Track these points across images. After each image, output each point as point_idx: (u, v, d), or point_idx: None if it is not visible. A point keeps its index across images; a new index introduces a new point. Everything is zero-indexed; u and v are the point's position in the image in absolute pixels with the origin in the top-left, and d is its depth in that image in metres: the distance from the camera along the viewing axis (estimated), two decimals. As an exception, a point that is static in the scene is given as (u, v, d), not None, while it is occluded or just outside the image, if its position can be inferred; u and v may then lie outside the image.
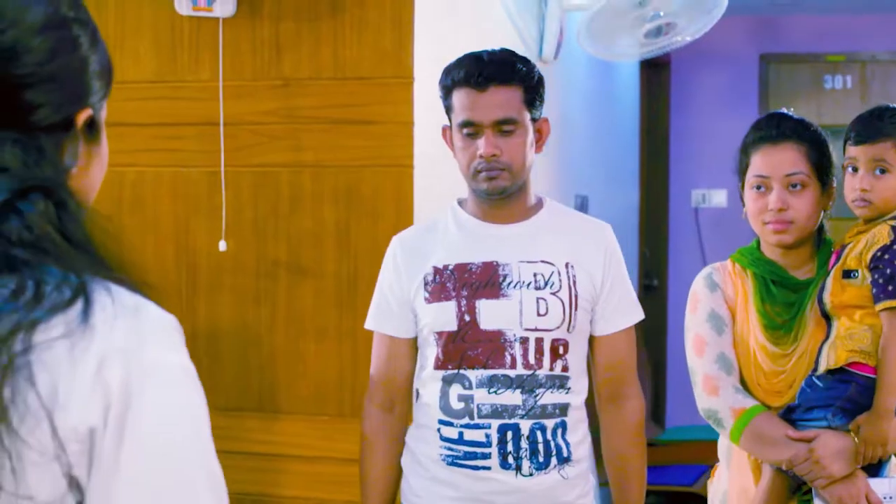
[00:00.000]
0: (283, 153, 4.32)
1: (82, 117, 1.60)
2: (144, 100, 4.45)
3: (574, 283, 3.32)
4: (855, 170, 3.30)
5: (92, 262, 1.51)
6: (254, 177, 4.36)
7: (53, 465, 1.40)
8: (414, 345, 3.45)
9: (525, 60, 3.34)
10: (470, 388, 3.28)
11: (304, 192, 4.31)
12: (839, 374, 3.22)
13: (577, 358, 3.35)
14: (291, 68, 4.31)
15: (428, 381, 3.37)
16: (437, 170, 4.31)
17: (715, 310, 3.43)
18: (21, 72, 1.51)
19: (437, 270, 3.36)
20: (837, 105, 9.42)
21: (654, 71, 9.23)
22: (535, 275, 3.31)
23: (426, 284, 3.36)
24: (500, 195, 3.32)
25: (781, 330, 3.37)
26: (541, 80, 3.35)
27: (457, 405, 3.30)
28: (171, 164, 4.44)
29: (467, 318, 3.29)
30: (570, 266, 3.33)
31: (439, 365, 3.33)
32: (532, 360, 3.27)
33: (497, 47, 3.38)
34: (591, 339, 3.42)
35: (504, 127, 3.26)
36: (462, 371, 3.29)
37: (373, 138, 4.21)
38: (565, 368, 3.31)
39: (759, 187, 3.37)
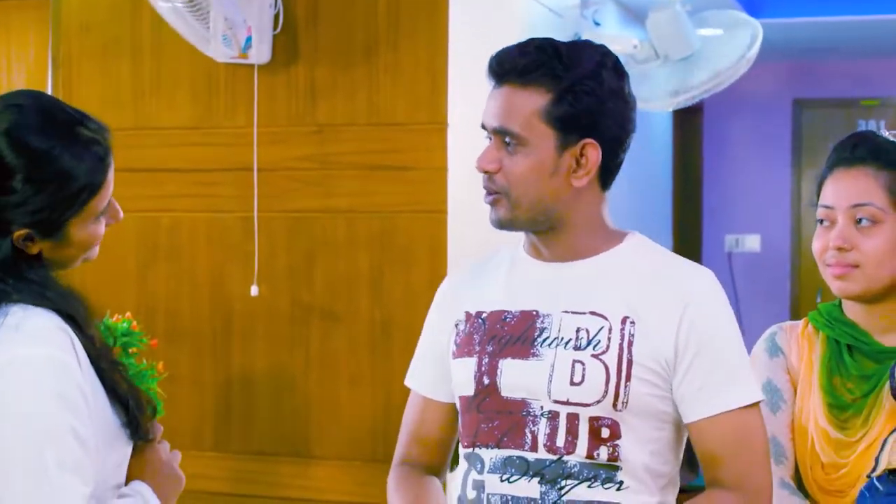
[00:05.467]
0: (317, 199, 4.34)
1: (16, 234, 2.22)
2: (180, 146, 4.48)
3: (629, 344, 2.41)
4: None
5: (21, 293, 2.20)
6: (287, 222, 4.37)
7: None
8: (454, 411, 2.65)
9: (571, 58, 2.44)
10: (482, 471, 2.49)
11: (338, 238, 4.32)
12: None
13: (641, 447, 2.44)
14: (326, 114, 4.33)
15: (460, 461, 2.59)
16: (472, 215, 4.32)
17: (772, 381, 2.71)
18: None
19: (468, 317, 2.58)
20: (871, 150, 9.40)
21: (687, 116, 9.23)
22: (577, 330, 2.44)
23: (457, 334, 2.59)
24: (506, 229, 2.53)
25: (850, 410, 2.62)
26: (592, 91, 2.43)
27: (471, 494, 2.51)
28: (205, 210, 4.46)
29: (486, 380, 2.48)
30: (630, 322, 2.43)
31: (461, 440, 2.57)
32: (560, 441, 2.42)
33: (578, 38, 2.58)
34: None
35: (506, 139, 2.45)
36: (476, 450, 2.50)
37: (407, 184, 4.22)
38: (614, 458, 2.41)
39: (822, 220, 2.68)
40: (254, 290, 4.33)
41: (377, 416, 4.27)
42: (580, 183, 2.46)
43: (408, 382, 2.75)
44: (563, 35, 5.35)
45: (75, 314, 2.23)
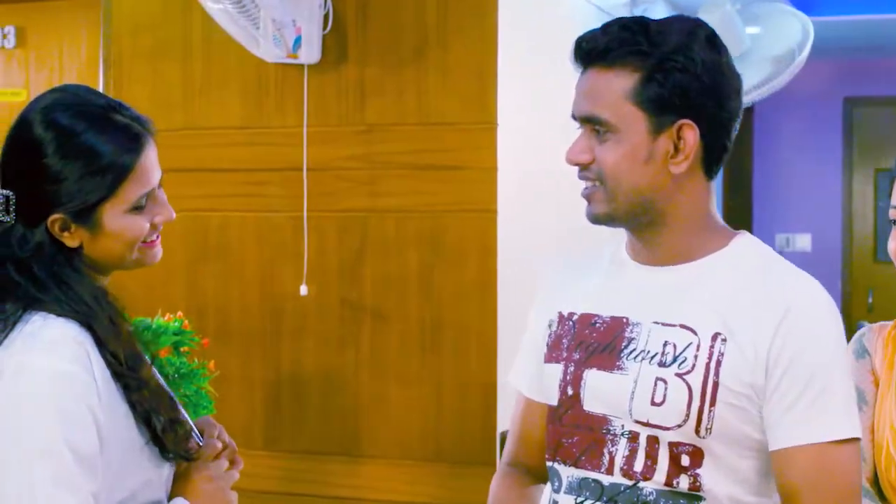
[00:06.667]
0: (367, 198, 4.34)
1: (51, 220, 2.19)
2: (230, 146, 4.50)
3: (717, 364, 2.16)
4: None
5: (47, 301, 2.17)
6: (337, 222, 4.38)
7: None
8: None
9: (659, 33, 2.22)
10: (559, 490, 2.32)
11: (388, 237, 4.32)
12: None
13: (726, 476, 2.19)
14: (375, 114, 4.33)
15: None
16: (522, 215, 4.31)
17: (856, 383, 2.52)
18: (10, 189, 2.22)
19: (560, 318, 2.38)
20: (924, 148, 9.35)
21: (737, 115, 9.20)
22: (664, 344, 2.21)
23: (549, 335, 2.40)
24: (604, 224, 2.30)
25: None
26: (683, 67, 2.20)
27: None
28: (255, 210, 4.48)
29: (570, 391, 2.29)
30: (721, 339, 2.18)
31: (546, 449, 2.38)
32: (638, 466, 2.20)
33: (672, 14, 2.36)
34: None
35: (595, 127, 2.23)
36: (554, 465, 2.32)
37: (456, 183, 4.22)
38: (696, 487, 2.18)
39: (895, 221, 2.57)
40: (303, 290, 4.34)
41: (427, 415, 4.27)
42: (679, 169, 2.22)
43: (510, 378, 2.56)
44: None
45: (99, 328, 2.19)
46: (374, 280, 4.34)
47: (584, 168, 2.25)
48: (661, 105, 2.19)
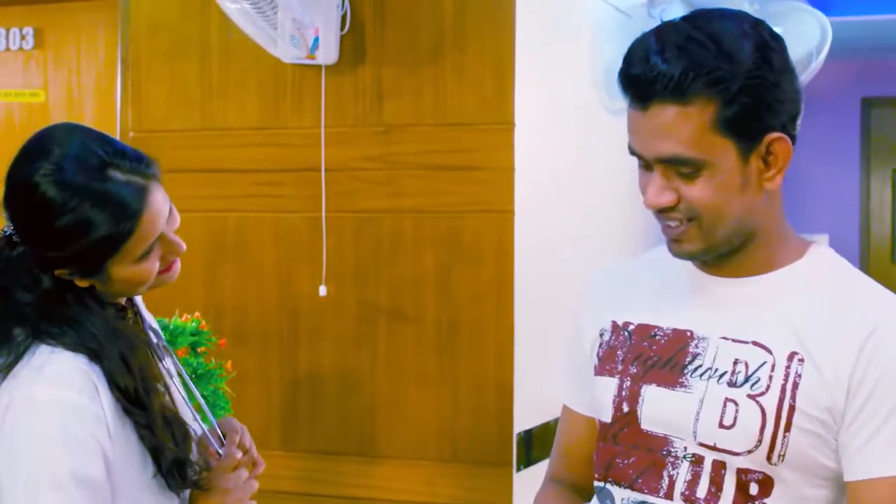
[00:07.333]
0: (384, 199, 4.34)
1: (58, 272, 2.23)
2: (247, 146, 4.50)
3: (794, 387, 2.01)
4: None
5: (57, 334, 2.20)
6: (355, 222, 4.38)
7: None
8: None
9: (721, 49, 1.99)
10: None
11: (405, 238, 4.32)
12: None
13: None
14: (393, 115, 4.33)
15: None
16: (539, 216, 4.31)
17: None
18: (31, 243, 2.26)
19: (614, 328, 2.24)
20: (942, 150, 9.32)
21: (755, 115, 9.18)
22: (735, 362, 2.06)
23: (600, 346, 2.26)
24: (694, 259, 2.16)
25: None
26: (763, 80, 2.01)
27: None
28: (272, 210, 4.48)
29: (626, 407, 2.15)
30: (798, 359, 2.03)
31: (595, 468, 2.26)
32: (701, 492, 2.06)
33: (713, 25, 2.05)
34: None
35: (679, 169, 2.04)
36: (607, 485, 2.20)
37: (474, 184, 4.21)
38: None
39: None
40: (322, 291, 4.34)
41: (444, 416, 4.27)
42: (774, 184, 2.09)
43: (556, 390, 2.45)
44: (630, 34, 5.32)
45: (107, 364, 2.21)
46: (391, 280, 4.34)
47: (669, 210, 2.08)
48: (747, 125, 2.03)
